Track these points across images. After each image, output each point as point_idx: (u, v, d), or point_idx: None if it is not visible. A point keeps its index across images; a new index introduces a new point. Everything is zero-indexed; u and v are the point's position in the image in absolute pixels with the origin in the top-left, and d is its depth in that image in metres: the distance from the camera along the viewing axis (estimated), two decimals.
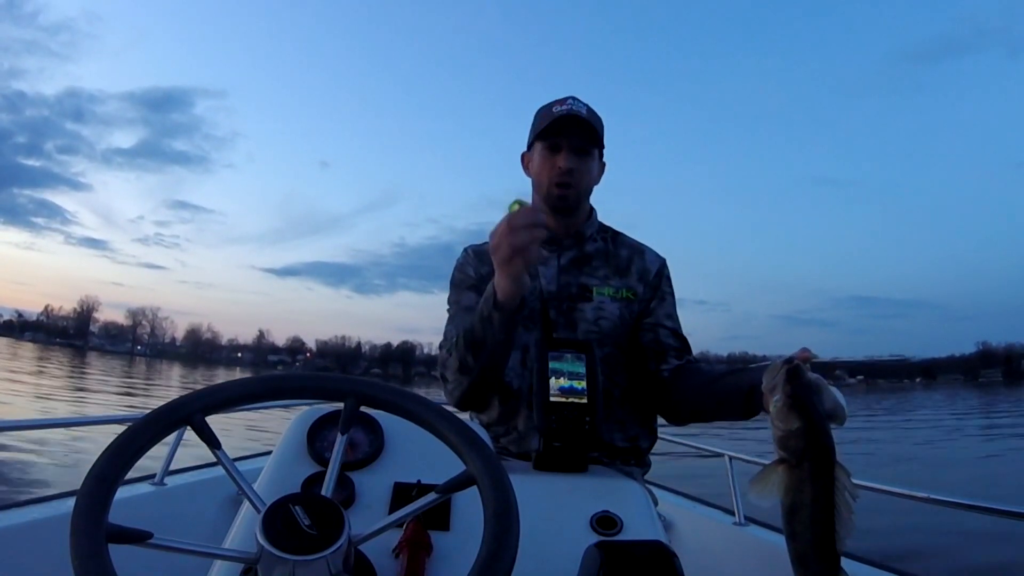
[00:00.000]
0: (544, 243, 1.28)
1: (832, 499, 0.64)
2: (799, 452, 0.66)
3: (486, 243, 1.35)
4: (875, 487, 1.47)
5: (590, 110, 1.23)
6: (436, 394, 1.23)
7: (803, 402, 0.67)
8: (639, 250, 1.32)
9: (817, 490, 0.64)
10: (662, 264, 1.32)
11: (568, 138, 1.20)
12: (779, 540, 1.75)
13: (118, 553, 0.53)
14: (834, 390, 0.68)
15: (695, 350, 1.32)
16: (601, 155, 1.28)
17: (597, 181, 1.31)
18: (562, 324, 1.22)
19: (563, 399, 1.03)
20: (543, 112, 1.25)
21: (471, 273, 1.30)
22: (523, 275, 1.01)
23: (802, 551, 0.65)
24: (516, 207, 0.98)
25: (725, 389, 1.05)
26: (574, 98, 1.23)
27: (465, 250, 1.35)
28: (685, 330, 1.31)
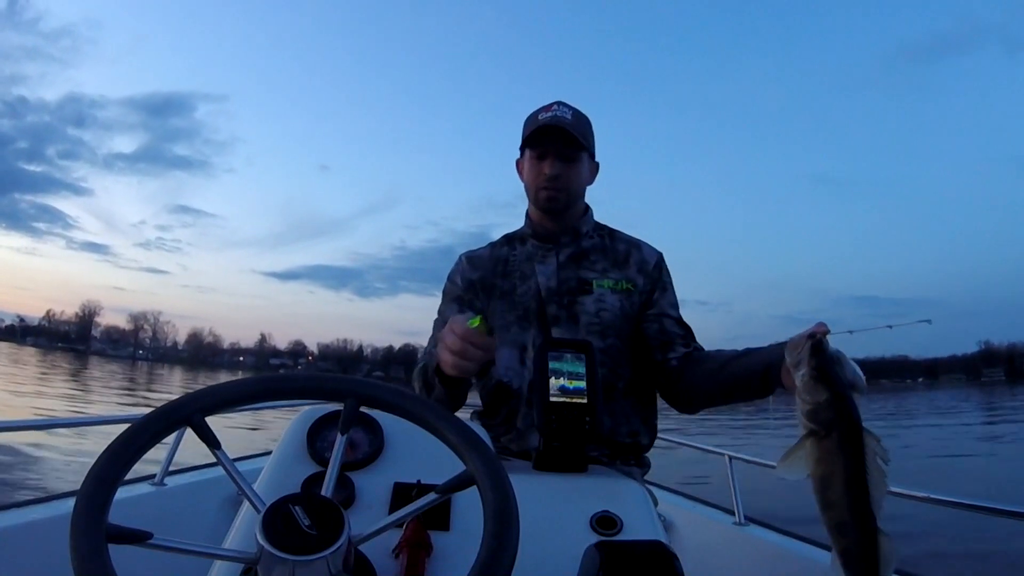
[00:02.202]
0: (541, 241, 1.30)
1: (863, 465, 0.65)
2: (828, 423, 0.67)
3: (482, 248, 1.38)
4: None
5: (576, 114, 1.25)
6: None
7: (829, 374, 0.68)
8: (636, 244, 1.34)
9: (848, 457, 0.65)
10: (660, 256, 1.33)
11: (553, 145, 1.23)
12: (779, 540, 1.76)
13: (118, 553, 0.53)
14: (852, 362, 0.70)
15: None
16: (592, 156, 1.30)
17: (590, 182, 1.33)
18: (564, 318, 1.23)
19: (563, 399, 1.03)
20: (530, 120, 1.28)
21: (458, 282, 1.33)
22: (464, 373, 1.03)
23: (839, 519, 0.65)
24: (478, 323, 0.98)
25: (739, 370, 1.06)
26: (559, 103, 1.26)
27: (460, 257, 1.38)
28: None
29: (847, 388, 0.68)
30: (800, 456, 0.68)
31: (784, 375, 0.82)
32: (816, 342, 0.71)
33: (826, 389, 0.68)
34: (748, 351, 1.08)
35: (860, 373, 0.70)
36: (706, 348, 1.26)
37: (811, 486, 0.68)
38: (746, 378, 1.03)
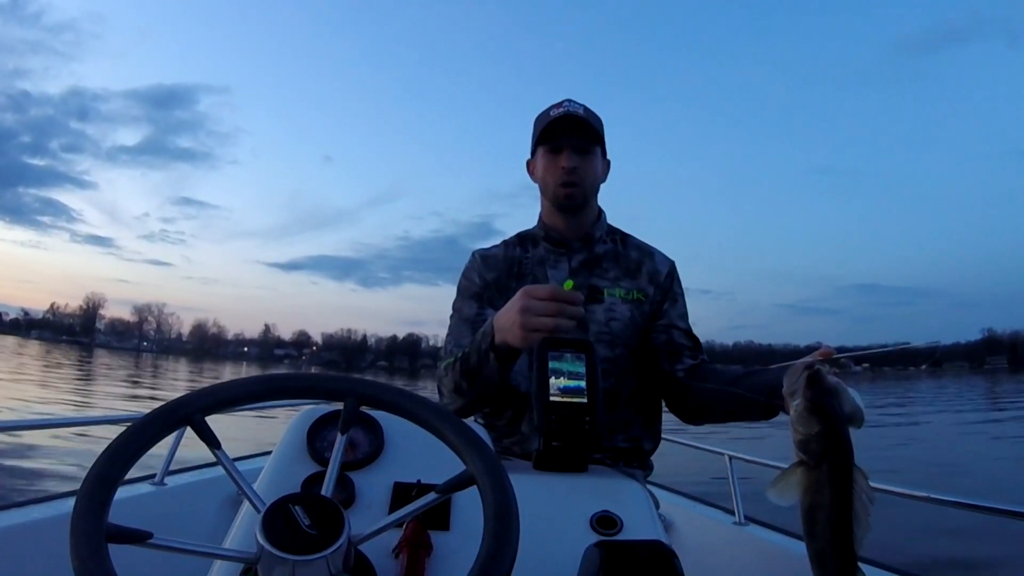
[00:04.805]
0: (554, 245, 1.29)
1: (850, 500, 0.66)
2: (818, 455, 0.67)
3: (495, 246, 1.36)
4: (875, 487, 1.46)
5: (587, 110, 1.25)
6: None
7: (823, 407, 0.68)
8: (648, 252, 1.33)
9: (835, 492, 0.66)
10: (672, 266, 1.33)
11: (569, 138, 1.22)
12: (779, 540, 1.76)
13: (118, 553, 0.53)
14: (853, 393, 0.69)
15: (700, 339, 1.33)
16: (604, 153, 1.29)
17: (603, 179, 1.31)
18: (574, 326, 1.22)
19: (563, 399, 1.03)
20: (542, 117, 1.27)
21: (476, 280, 1.30)
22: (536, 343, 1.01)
23: (820, 550, 0.67)
24: (571, 285, 0.97)
25: (744, 391, 1.05)
26: (570, 100, 1.25)
27: (473, 254, 1.35)
28: (690, 319, 1.32)
29: (842, 422, 0.67)
30: (791, 482, 0.69)
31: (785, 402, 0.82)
32: (813, 373, 0.70)
33: (819, 422, 0.67)
34: (756, 371, 1.07)
35: (860, 405, 0.69)
36: (710, 337, 1.26)
37: (798, 512, 0.69)
38: (750, 400, 1.02)
